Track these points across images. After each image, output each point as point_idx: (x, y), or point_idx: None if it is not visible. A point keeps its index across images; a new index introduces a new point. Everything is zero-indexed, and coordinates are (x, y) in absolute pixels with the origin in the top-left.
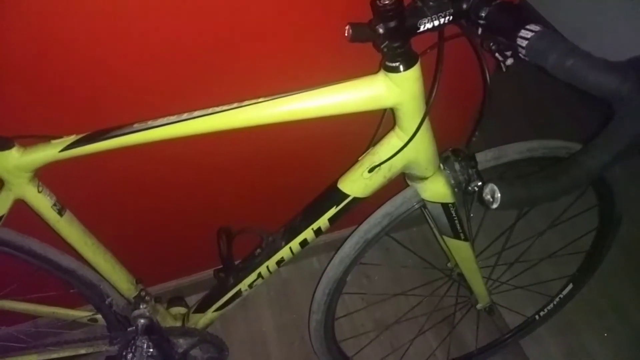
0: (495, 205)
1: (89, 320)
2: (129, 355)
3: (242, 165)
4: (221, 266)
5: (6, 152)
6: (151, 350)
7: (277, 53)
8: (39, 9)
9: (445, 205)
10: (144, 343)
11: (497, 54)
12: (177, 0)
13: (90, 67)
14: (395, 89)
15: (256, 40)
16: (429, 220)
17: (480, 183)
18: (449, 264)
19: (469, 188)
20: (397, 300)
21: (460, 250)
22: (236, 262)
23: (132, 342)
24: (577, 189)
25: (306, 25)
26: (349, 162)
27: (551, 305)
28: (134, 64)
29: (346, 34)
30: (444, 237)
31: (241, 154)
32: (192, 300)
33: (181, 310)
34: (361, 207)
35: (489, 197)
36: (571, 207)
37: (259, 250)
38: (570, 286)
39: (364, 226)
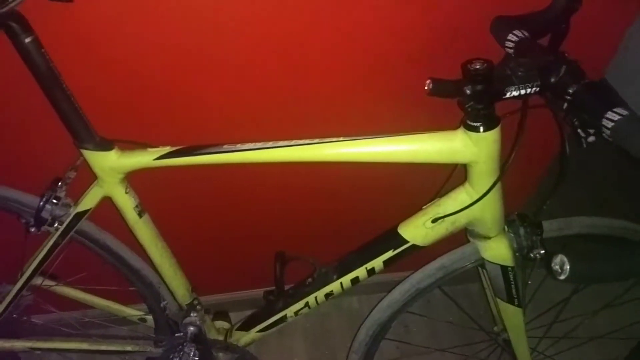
0: (562, 277)
1: (139, 319)
2: (199, 351)
3: (308, 196)
4: (272, 288)
5: (106, 153)
6: (197, 358)
7: (361, 101)
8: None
9: (504, 268)
10: (191, 350)
11: (579, 130)
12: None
13: (193, 92)
14: (473, 148)
15: (345, 91)
16: (484, 280)
17: (542, 251)
18: (495, 328)
19: (531, 255)
20: (434, 356)
21: (512, 316)
22: (286, 288)
23: (180, 347)
24: None
25: (391, 79)
26: (411, 209)
27: None
28: (228, 93)
29: (426, 88)
30: (498, 299)
31: (309, 186)
32: (234, 317)
33: (225, 324)
34: (415, 255)
35: (557, 267)
36: (629, 291)
37: (310, 280)
38: None
39: (418, 275)
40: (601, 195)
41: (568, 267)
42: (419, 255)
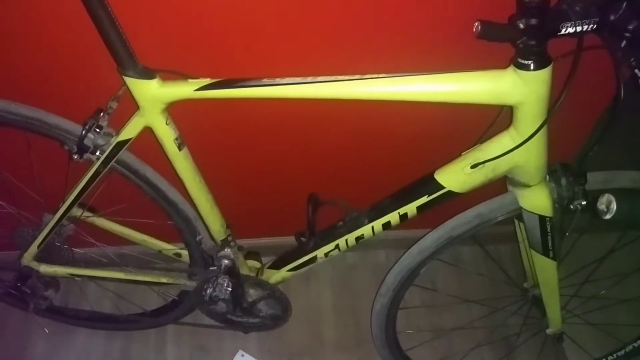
0: (608, 216)
1: (173, 254)
2: (209, 290)
3: (346, 138)
4: (303, 230)
5: (148, 82)
6: (230, 289)
7: (404, 37)
8: None
9: (542, 218)
10: (224, 281)
11: (636, 70)
12: None
13: (235, 23)
14: (522, 87)
15: (390, 22)
16: (519, 233)
17: (584, 202)
18: (525, 284)
19: (571, 206)
20: (458, 309)
21: (546, 269)
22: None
23: (214, 279)
24: None
25: (437, 15)
26: (449, 155)
27: (622, 352)
28: (270, 27)
29: (474, 30)
30: (532, 252)
31: (347, 127)
32: (264, 260)
33: (256, 264)
34: (445, 210)
35: (603, 206)
36: None
37: (341, 223)
38: None
39: (452, 222)
40: None
41: (615, 205)
42: (451, 210)
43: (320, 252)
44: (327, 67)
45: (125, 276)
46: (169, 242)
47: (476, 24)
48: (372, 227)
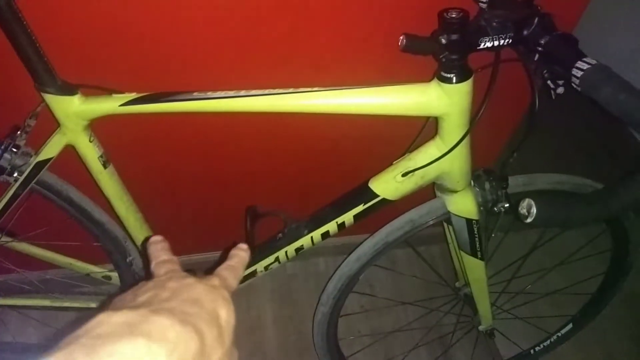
0: (529, 220)
1: (103, 276)
2: None
3: (280, 149)
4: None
5: (69, 98)
6: None
7: (335, 50)
8: None
9: (469, 221)
10: None
11: (549, 82)
12: None
13: (161, 31)
14: (446, 99)
15: (319, 34)
16: (448, 235)
17: (507, 205)
18: (457, 283)
19: (495, 208)
20: (396, 311)
21: (475, 269)
22: (256, 244)
23: None
24: (607, 217)
25: (366, 31)
26: (381, 165)
27: (548, 342)
28: (200, 37)
29: (400, 43)
30: (462, 253)
31: (281, 138)
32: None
33: None
34: (380, 216)
35: (524, 211)
36: (583, 248)
37: (280, 235)
38: (570, 326)
39: (387, 229)
40: (561, 154)
41: (535, 210)
42: (383, 217)
43: (259, 266)
44: (260, 79)
45: (52, 303)
46: (97, 264)
47: (402, 37)
48: (312, 237)
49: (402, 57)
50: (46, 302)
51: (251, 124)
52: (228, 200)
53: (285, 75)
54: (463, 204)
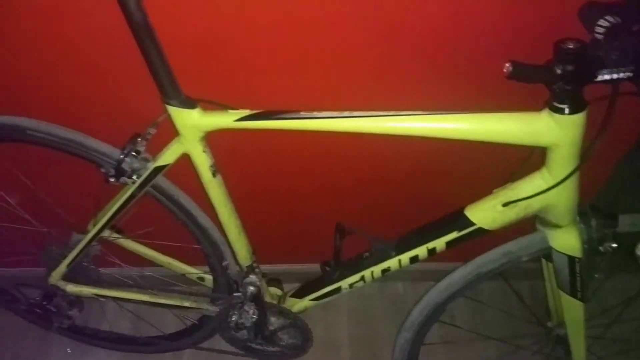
0: None
1: (197, 277)
2: (235, 316)
3: (373, 170)
4: (328, 260)
5: (190, 111)
6: (255, 317)
7: (438, 75)
8: None
9: (571, 259)
10: (250, 308)
11: None
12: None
13: (272, 56)
14: (557, 130)
15: (422, 59)
16: (545, 271)
17: (615, 245)
18: (549, 323)
19: (601, 247)
20: (477, 346)
21: (572, 310)
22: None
23: (240, 305)
24: None
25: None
26: (478, 192)
27: None
28: (309, 61)
29: (505, 70)
30: (560, 291)
31: (378, 160)
32: (285, 287)
33: (277, 291)
34: (469, 246)
35: None
36: None
37: (367, 254)
38: None
39: (481, 259)
40: None
41: None
42: (475, 245)
43: (344, 283)
44: (361, 102)
45: (150, 299)
46: (192, 265)
47: (507, 64)
48: (399, 260)
49: (505, 85)
50: (146, 297)
51: (348, 143)
52: (318, 218)
53: (386, 97)
54: (566, 240)
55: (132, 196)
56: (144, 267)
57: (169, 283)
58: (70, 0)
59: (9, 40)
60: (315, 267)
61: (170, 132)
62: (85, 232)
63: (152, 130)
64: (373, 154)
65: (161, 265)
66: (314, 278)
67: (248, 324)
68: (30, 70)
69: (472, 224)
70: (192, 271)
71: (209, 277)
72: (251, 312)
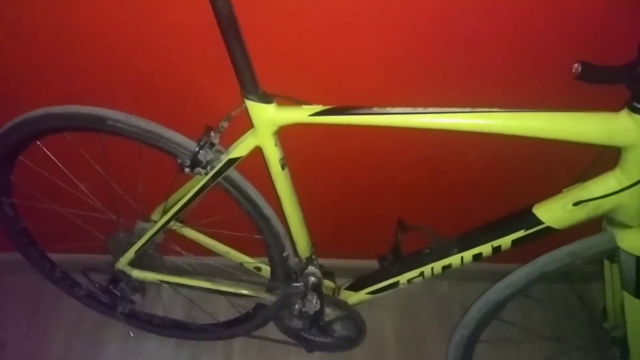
0: None
1: (254, 267)
2: (297, 305)
3: (442, 168)
4: (385, 254)
5: (266, 106)
6: (318, 306)
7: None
8: None
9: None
10: (313, 298)
11: None
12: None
13: (346, 52)
14: (635, 131)
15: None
16: (609, 272)
17: None
18: (605, 324)
19: None
20: (527, 345)
21: (635, 311)
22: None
23: (303, 294)
24: None
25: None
26: (546, 191)
27: None
28: (378, 59)
29: (574, 71)
30: (625, 293)
31: (445, 157)
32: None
33: (331, 284)
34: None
35: None
36: None
37: (427, 251)
38: None
39: (545, 259)
40: None
41: None
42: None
43: (403, 278)
44: (434, 98)
45: (211, 286)
46: (250, 256)
47: (576, 65)
48: (462, 257)
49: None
50: (207, 285)
51: (414, 139)
52: (378, 213)
53: (460, 94)
54: (636, 241)
55: (204, 187)
56: (202, 255)
57: (225, 271)
58: None
59: (93, 32)
60: (368, 264)
61: (240, 126)
62: (149, 220)
63: (225, 124)
64: (440, 150)
65: (219, 254)
66: (371, 272)
67: (312, 313)
68: (111, 63)
69: (540, 222)
70: (249, 261)
71: (265, 267)
72: (314, 301)
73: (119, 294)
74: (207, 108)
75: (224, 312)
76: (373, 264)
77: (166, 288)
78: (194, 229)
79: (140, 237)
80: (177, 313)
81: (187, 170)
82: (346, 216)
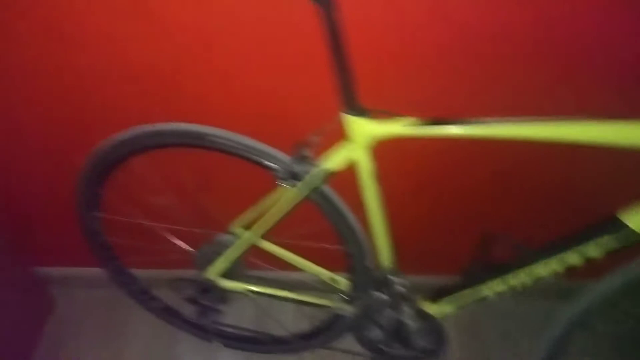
0: None
1: (329, 279)
2: (382, 315)
3: (522, 176)
4: (470, 266)
5: (362, 119)
6: (411, 316)
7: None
8: None
9: None
10: (405, 308)
11: None
12: None
13: (438, 63)
14: None
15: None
16: None
17: None
18: None
19: None
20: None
21: None
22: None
23: (389, 305)
24: None
25: None
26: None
27: None
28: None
29: None
30: None
31: (535, 168)
32: None
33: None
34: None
35: None
36: None
37: (516, 262)
38: None
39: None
40: None
41: None
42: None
43: (490, 290)
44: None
45: (296, 296)
46: (326, 268)
47: None
48: (553, 267)
49: None
50: (292, 295)
51: (505, 152)
52: (460, 227)
53: (558, 104)
54: None
55: (298, 199)
56: (278, 267)
57: (302, 283)
58: (260, 7)
59: (185, 51)
60: (443, 280)
61: (329, 139)
62: (228, 232)
63: (317, 138)
64: (531, 162)
65: (296, 266)
66: (456, 283)
67: (407, 322)
68: (206, 79)
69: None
70: (325, 272)
71: (340, 279)
72: (405, 310)
73: (208, 304)
74: (299, 123)
75: (291, 326)
76: (448, 280)
77: (235, 301)
78: (273, 242)
79: (230, 247)
80: (248, 319)
81: (282, 183)
82: (432, 229)
